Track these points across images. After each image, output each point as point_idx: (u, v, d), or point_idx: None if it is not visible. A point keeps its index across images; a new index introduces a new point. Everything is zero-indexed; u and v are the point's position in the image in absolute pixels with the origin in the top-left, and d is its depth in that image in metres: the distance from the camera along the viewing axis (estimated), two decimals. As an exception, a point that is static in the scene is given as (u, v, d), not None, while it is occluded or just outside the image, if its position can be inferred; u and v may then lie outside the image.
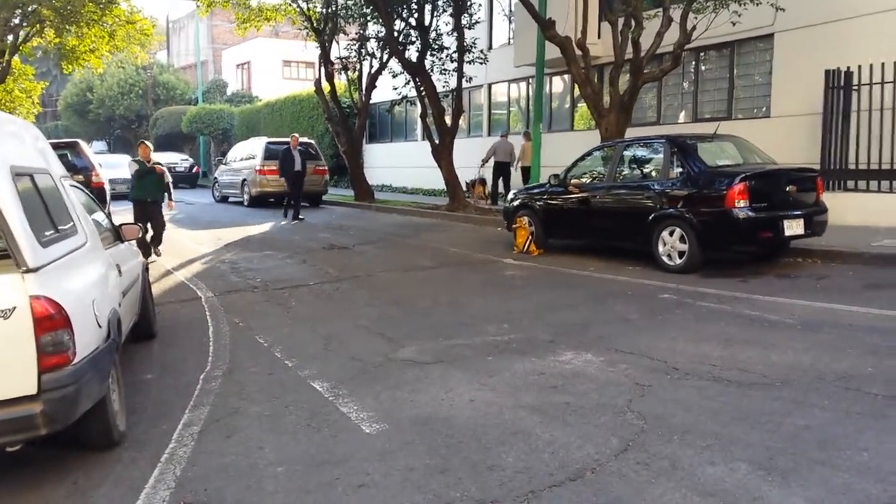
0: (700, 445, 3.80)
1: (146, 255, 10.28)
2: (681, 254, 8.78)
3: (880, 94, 11.02)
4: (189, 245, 12.93)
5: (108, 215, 6.17)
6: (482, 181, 18.06)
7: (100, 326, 4.00)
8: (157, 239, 11.50)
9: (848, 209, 10.90)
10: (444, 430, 4.17)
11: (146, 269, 6.75)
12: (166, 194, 11.59)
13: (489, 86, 21.96)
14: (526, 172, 17.77)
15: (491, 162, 18.02)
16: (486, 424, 4.24)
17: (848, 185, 11.74)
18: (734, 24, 12.17)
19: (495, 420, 4.30)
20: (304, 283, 9.03)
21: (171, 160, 32.68)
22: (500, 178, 18.20)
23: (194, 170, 33.15)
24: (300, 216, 16.60)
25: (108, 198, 14.72)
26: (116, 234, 5.95)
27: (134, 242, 6.37)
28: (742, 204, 8.36)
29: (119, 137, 45.78)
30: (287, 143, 18.04)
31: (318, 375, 5.29)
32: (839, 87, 11.67)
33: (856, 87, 11.50)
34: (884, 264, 8.57)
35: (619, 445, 3.85)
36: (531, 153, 17.59)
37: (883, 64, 10.89)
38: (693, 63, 15.65)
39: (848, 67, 11.57)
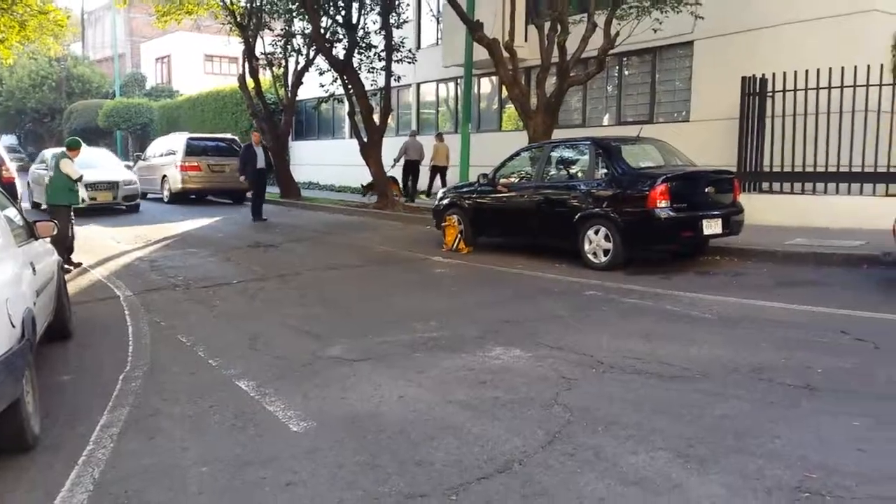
0: (623, 436, 3.89)
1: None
2: (606, 252, 8.98)
3: (793, 101, 11.51)
4: (107, 242, 12.49)
5: (21, 211, 5.89)
6: (393, 180, 18.08)
7: (13, 326, 3.82)
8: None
9: (763, 210, 11.35)
10: (373, 427, 4.15)
11: (61, 268, 6.49)
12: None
13: (418, 85, 21.98)
14: (435, 171, 18.46)
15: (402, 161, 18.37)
16: (416, 420, 4.24)
17: (763, 187, 12.23)
18: (655, 31, 12.51)
19: (424, 416, 4.31)
20: (228, 282, 8.84)
21: (87, 156, 31.55)
22: (410, 177, 18.51)
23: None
24: (263, 216, 15.75)
25: (18, 192, 14.03)
26: (30, 231, 5.70)
27: (48, 240, 6.09)
28: (664, 204, 8.61)
29: (30, 132, 43.87)
30: (217, 137, 17.78)
31: (244, 374, 5.19)
32: (754, 93, 12.15)
33: (770, 94, 11.99)
34: (796, 262, 8.97)
35: (546, 438, 3.91)
36: (442, 153, 18.00)
37: (795, 72, 11.38)
38: (617, 68, 16.02)
39: (763, 75, 12.05)
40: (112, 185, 17.03)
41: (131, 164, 21.20)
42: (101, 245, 12.16)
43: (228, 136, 22.51)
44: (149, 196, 21.68)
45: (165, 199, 20.37)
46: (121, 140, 37.57)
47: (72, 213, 10.10)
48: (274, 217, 16.20)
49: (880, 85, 10.74)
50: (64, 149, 10.35)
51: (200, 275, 9.35)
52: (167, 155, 20.66)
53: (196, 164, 19.68)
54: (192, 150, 19.84)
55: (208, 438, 4.10)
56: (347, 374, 5.13)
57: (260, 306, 7.60)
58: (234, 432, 4.17)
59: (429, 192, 18.89)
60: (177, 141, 20.80)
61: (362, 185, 18.92)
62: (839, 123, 10.95)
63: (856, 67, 10.71)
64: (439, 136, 18.68)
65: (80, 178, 10.07)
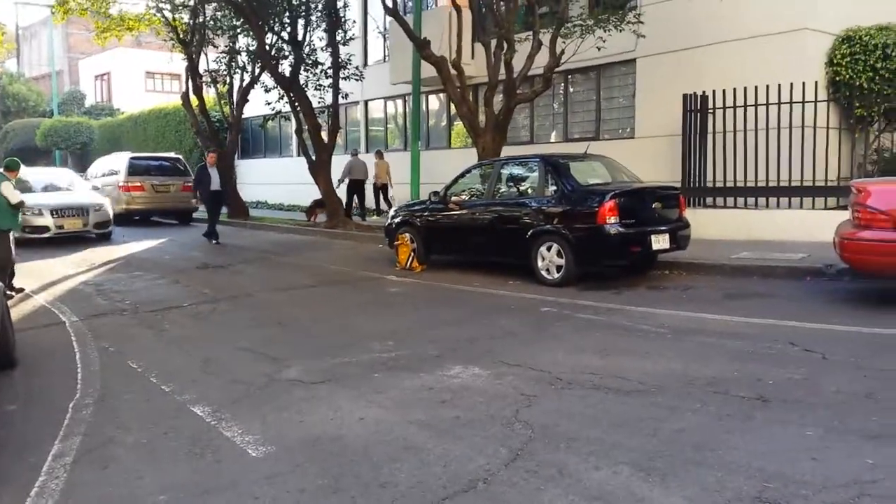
0: (584, 451, 3.93)
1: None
2: (558, 268, 9.08)
3: (732, 117, 11.88)
4: (49, 266, 12.12)
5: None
6: (320, 203, 18.13)
7: (-44, 355, 3.69)
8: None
9: (708, 224, 11.64)
10: (334, 450, 4.12)
11: (3, 294, 6.27)
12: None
13: (366, 102, 21.97)
14: (379, 190, 18.62)
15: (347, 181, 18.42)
16: (377, 442, 4.21)
17: (707, 202, 12.56)
18: (599, 49, 12.78)
19: (386, 437, 4.28)
20: (177, 305, 8.66)
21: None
22: (355, 196, 18.57)
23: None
24: (217, 239, 15.20)
25: None
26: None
27: None
28: (612, 220, 8.76)
29: (-37, 151, 42.41)
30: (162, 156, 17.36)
31: (199, 400, 5.09)
32: (696, 110, 12.49)
33: (711, 111, 12.35)
34: (742, 275, 9.22)
35: (509, 455, 3.92)
36: (383, 170, 18.18)
37: (735, 89, 11.75)
38: (563, 85, 16.29)
39: (703, 92, 12.41)
40: (81, 211, 15.35)
41: (97, 185, 19.98)
42: (43, 269, 11.80)
43: (173, 154, 22.14)
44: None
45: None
46: (59, 160, 36.54)
47: (12, 237, 9.71)
48: (222, 238, 15.95)
49: (815, 101, 11.17)
50: (2, 170, 9.97)
51: (148, 298, 9.14)
52: (109, 175, 20.20)
53: (139, 184, 19.29)
54: (134, 169, 19.45)
55: (165, 466, 4.00)
56: (306, 397, 5.07)
57: (212, 329, 7.46)
58: (191, 459, 4.08)
59: (377, 211, 18.94)
60: (119, 160, 20.36)
61: (305, 210, 18.83)
62: (777, 139, 11.34)
63: (791, 84, 11.12)
64: (379, 154, 18.91)
65: (20, 204, 9.62)
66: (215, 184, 15.30)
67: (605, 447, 3.98)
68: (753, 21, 12.50)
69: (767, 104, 11.41)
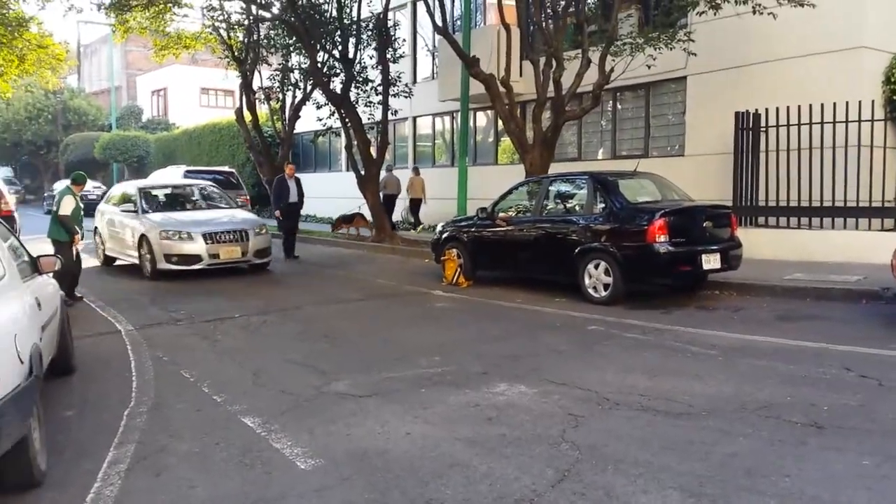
0: (633, 474, 3.89)
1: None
2: (606, 286, 9.01)
3: (786, 136, 11.67)
4: (104, 275, 12.47)
5: (23, 245, 5.90)
6: (346, 219, 18.51)
7: (21, 362, 3.82)
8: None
9: (760, 244, 11.43)
10: (380, 465, 4.15)
11: (64, 302, 6.48)
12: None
13: (414, 118, 22.17)
14: (414, 204, 19.44)
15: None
16: (423, 457, 4.23)
17: (759, 221, 12.33)
18: (649, 67, 12.69)
19: (432, 453, 4.30)
20: (229, 316, 8.83)
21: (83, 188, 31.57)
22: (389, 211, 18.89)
23: (107, 197, 32.04)
24: (295, 254, 14.81)
25: (17, 226, 13.98)
26: (34, 266, 5.70)
27: (51, 274, 6.08)
28: (662, 239, 8.67)
29: (26, 163, 43.93)
30: (205, 170, 17.40)
31: (249, 411, 5.18)
32: (748, 128, 12.31)
33: (764, 129, 12.15)
34: (794, 296, 9.02)
35: (555, 476, 3.90)
36: (418, 187, 18.51)
37: (788, 107, 11.55)
38: (611, 102, 16.22)
39: (756, 110, 12.22)
40: (240, 235, 12.10)
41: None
42: (98, 278, 12.14)
43: (226, 168, 22.61)
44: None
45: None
46: (117, 172, 37.65)
47: (76, 248, 10.04)
48: (273, 250, 16.17)
49: (872, 120, 10.92)
50: (68, 184, 10.35)
51: (201, 309, 9.33)
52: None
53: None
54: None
55: (215, 476, 4.08)
56: (353, 410, 5.12)
57: (262, 341, 7.59)
58: (241, 470, 4.15)
59: (415, 225, 19.18)
60: (174, 174, 20.86)
61: (332, 224, 19.26)
62: (832, 158, 11.10)
63: (847, 103, 10.89)
64: (416, 170, 19.27)
65: (72, 215, 9.82)
66: (294, 195, 14.87)
67: (653, 470, 3.93)
68: (808, 39, 12.29)
69: (822, 122, 11.19)
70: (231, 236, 12.01)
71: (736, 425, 4.59)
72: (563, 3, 13.23)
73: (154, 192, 13.65)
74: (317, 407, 5.24)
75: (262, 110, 23.13)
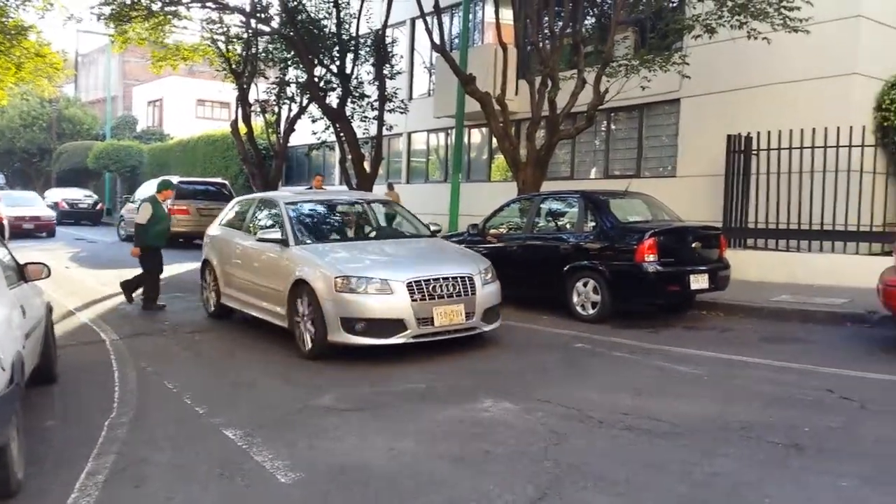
0: (612, 492, 3.88)
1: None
2: (594, 304, 9.03)
3: (777, 159, 11.75)
4: (92, 285, 12.42)
5: (10, 252, 5.88)
6: None
7: (3, 370, 3.80)
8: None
9: (748, 265, 11.47)
10: (362, 480, 4.13)
11: (50, 311, 6.45)
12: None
13: (409, 134, 22.25)
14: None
15: None
16: (405, 473, 4.21)
17: (748, 243, 12.38)
18: (643, 89, 12.78)
19: (414, 469, 4.28)
20: (215, 328, 8.79)
21: (74, 196, 31.56)
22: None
23: (98, 207, 32.01)
24: None
25: (6, 233, 13.92)
26: (20, 273, 5.68)
27: (37, 282, 6.04)
28: (651, 258, 8.70)
29: (18, 171, 43.85)
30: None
31: (231, 423, 5.14)
32: (739, 150, 12.39)
33: (755, 152, 12.23)
34: (781, 319, 9.04)
35: (536, 493, 3.89)
36: (394, 200, 18.54)
37: (780, 131, 11.63)
38: (605, 122, 16.31)
39: (748, 133, 12.31)
40: (462, 286, 7.32)
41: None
42: (85, 287, 12.09)
43: (219, 180, 22.61)
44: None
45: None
46: (109, 182, 37.60)
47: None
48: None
49: (862, 146, 11.00)
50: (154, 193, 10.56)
51: (187, 320, 9.30)
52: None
53: (185, 207, 19.70)
54: (181, 193, 19.84)
55: (195, 488, 4.05)
56: (337, 425, 5.10)
57: (248, 353, 7.55)
58: (221, 482, 4.13)
59: None
60: (166, 185, 20.80)
61: None
62: (822, 182, 11.18)
63: (838, 128, 10.98)
64: (390, 186, 19.19)
65: (147, 224, 10.01)
66: None
67: (633, 489, 3.93)
68: (801, 65, 12.40)
69: (813, 147, 11.27)
70: (449, 287, 7.19)
71: (718, 445, 4.58)
72: (560, 24, 13.34)
73: (310, 211, 8.80)
74: (300, 420, 5.22)
75: (258, 123, 23.16)
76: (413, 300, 6.90)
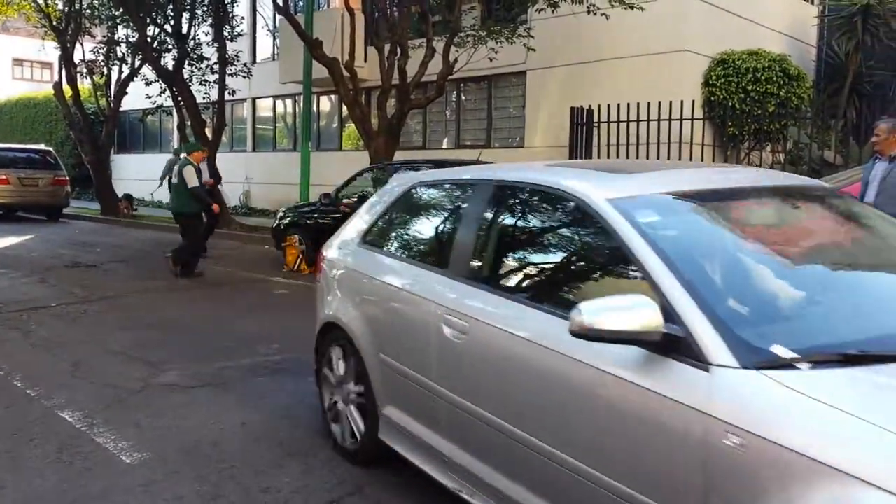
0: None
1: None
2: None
3: (616, 131, 12.34)
4: None
5: None
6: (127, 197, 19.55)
7: None
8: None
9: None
10: (214, 456, 3.98)
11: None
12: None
13: (253, 100, 21.40)
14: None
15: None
16: (260, 448, 4.09)
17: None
18: (491, 60, 12.99)
19: (269, 443, 4.16)
20: (45, 305, 8.11)
21: None
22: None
23: None
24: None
25: None
26: None
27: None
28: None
29: None
30: None
31: (67, 405, 4.77)
32: (582, 123, 12.91)
33: (596, 124, 12.78)
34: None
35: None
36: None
37: (619, 105, 12.20)
38: (455, 93, 16.46)
39: (590, 106, 12.83)
40: None
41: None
42: None
43: (42, 147, 20.83)
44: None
45: (-33, 215, 18.31)
46: None
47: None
48: (93, 235, 15.17)
49: (692, 119, 11.75)
50: (184, 155, 10.37)
51: (12, 297, 8.51)
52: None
53: (4, 176, 17.99)
54: (-1, 161, 18.17)
55: (29, 475, 3.73)
56: (184, 402, 4.86)
57: (83, 331, 7.02)
58: (58, 467, 3.83)
59: None
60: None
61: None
62: (657, 153, 11.86)
63: (671, 102, 11.65)
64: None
65: (195, 190, 9.96)
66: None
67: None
68: (638, 41, 13.01)
69: (648, 119, 11.90)
70: None
71: None
72: (407, -10, 13.25)
73: (696, 227, 3.00)
74: (144, 399, 4.93)
75: (85, 85, 21.52)
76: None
